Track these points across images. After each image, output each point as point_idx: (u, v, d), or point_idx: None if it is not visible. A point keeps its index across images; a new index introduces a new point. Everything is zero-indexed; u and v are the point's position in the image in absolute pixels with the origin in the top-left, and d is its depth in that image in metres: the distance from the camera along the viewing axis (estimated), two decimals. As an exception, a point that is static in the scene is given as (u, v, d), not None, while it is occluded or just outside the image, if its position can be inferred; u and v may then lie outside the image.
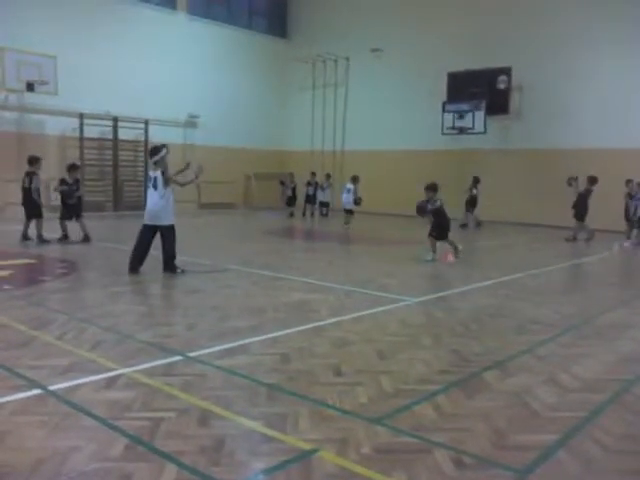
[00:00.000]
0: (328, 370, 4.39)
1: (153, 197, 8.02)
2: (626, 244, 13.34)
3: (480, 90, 18.60)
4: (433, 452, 3.14)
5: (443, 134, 19.26)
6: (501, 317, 6.30)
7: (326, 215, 19.67)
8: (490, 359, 4.79)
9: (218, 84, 21.86)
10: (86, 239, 11.28)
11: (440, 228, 10.13)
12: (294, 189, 20.02)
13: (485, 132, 18.43)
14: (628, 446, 3.31)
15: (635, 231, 13.65)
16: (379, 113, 21.49)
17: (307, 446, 3.16)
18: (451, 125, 19.03)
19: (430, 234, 10.20)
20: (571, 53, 17.24)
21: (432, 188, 10.12)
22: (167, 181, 7.99)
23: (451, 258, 10.08)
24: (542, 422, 3.58)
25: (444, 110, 19.19)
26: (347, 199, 15.88)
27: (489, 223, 17.49)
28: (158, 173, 8.01)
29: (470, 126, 18.68)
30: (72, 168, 11.94)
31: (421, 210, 10.09)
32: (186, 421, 3.42)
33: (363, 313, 6.23)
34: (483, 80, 18.54)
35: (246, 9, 23.62)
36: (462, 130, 18.91)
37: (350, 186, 15.99)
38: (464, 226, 16.52)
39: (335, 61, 22.75)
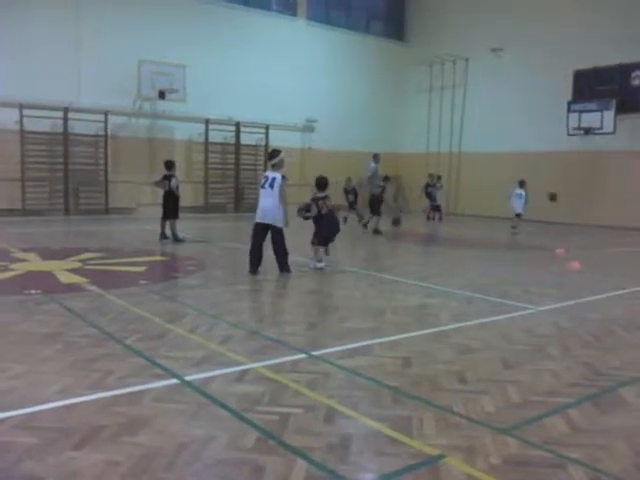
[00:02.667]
0: (452, 376, 4.32)
1: (267, 196, 8.20)
2: None
3: (610, 88, 17.51)
4: (567, 468, 3.00)
5: (569, 135, 18.33)
6: (637, 330, 5.89)
7: (433, 219, 19.28)
8: (626, 374, 4.50)
9: (335, 88, 22.20)
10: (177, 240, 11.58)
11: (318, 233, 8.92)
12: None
13: (614, 132, 17.31)
14: None
15: None
16: (499, 114, 20.81)
17: (434, 451, 3.13)
18: (577, 125, 18.06)
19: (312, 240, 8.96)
20: None
21: (320, 184, 8.95)
22: (284, 189, 8.18)
23: (577, 265, 9.56)
24: (690, 446, 3.31)
25: (569, 110, 18.27)
26: (518, 203, 15.83)
27: (620, 229, 16.41)
28: (278, 175, 8.24)
29: (598, 126, 17.63)
30: (171, 165, 11.97)
31: (303, 211, 8.82)
32: (313, 418, 3.50)
33: (485, 320, 6.07)
34: (614, 77, 17.45)
35: (364, 14, 23.81)
36: (588, 131, 17.89)
37: (521, 191, 15.81)
38: None
39: (453, 62, 22.35)
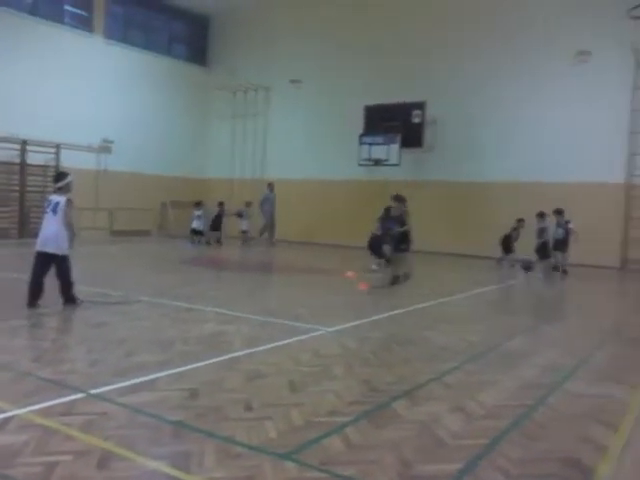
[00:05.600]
0: (238, 405, 4.30)
1: (51, 222, 7.60)
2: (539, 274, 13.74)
3: (395, 123, 19.20)
4: (340, 486, 3.13)
5: (359, 165, 19.69)
6: (411, 345, 6.42)
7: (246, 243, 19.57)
8: (400, 388, 4.86)
9: (135, 110, 21.44)
10: None
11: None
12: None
13: (399, 164, 18.98)
14: (526, 471, 3.42)
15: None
16: (298, 143, 21.72)
17: (212, 486, 3.06)
18: (367, 157, 19.50)
19: None
20: (481, 90, 18.13)
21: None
22: (68, 213, 7.62)
23: (363, 286, 10.22)
24: (448, 451, 3.65)
25: (360, 142, 19.66)
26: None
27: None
28: (62, 199, 7.66)
29: (385, 158, 19.21)
30: None
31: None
32: (84, 464, 3.24)
33: (277, 344, 6.19)
34: (398, 114, 19.13)
35: (166, 36, 23.46)
36: (377, 162, 19.40)
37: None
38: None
39: (255, 91, 22.88)
